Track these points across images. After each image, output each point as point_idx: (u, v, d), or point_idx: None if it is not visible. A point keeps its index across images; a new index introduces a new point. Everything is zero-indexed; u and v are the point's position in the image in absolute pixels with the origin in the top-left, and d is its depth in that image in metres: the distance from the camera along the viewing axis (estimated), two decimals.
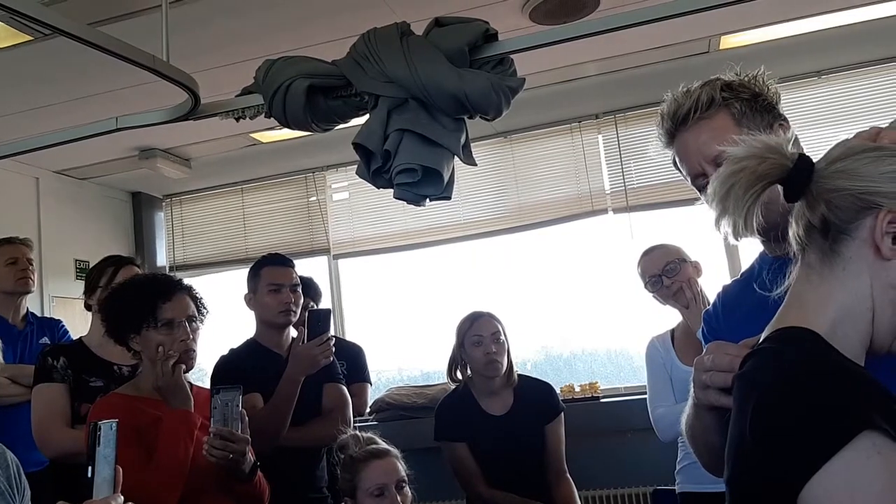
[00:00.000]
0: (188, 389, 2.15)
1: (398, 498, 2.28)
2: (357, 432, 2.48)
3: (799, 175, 1.03)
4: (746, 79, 1.43)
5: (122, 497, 1.38)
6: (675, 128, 1.44)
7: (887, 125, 1.12)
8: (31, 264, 3.50)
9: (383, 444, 2.41)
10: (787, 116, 1.44)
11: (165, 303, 2.16)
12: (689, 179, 1.46)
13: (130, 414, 2.06)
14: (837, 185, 1.01)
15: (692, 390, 1.25)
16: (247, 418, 2.15)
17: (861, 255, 1.01)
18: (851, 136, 1.12)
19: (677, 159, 1.48)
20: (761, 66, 1.45)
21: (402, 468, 2.35)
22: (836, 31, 3.73)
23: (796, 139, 1.32)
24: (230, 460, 2.07)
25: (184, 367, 2.15)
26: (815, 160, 1.05)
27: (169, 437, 2.05)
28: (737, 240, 1.05)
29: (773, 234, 1.17)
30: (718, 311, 1.53)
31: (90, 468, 1.40)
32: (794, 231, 1.07)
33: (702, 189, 1.43)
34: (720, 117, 1.39)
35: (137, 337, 2.17)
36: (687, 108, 1.41)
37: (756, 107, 1.40)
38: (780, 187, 1.04)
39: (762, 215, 1.02)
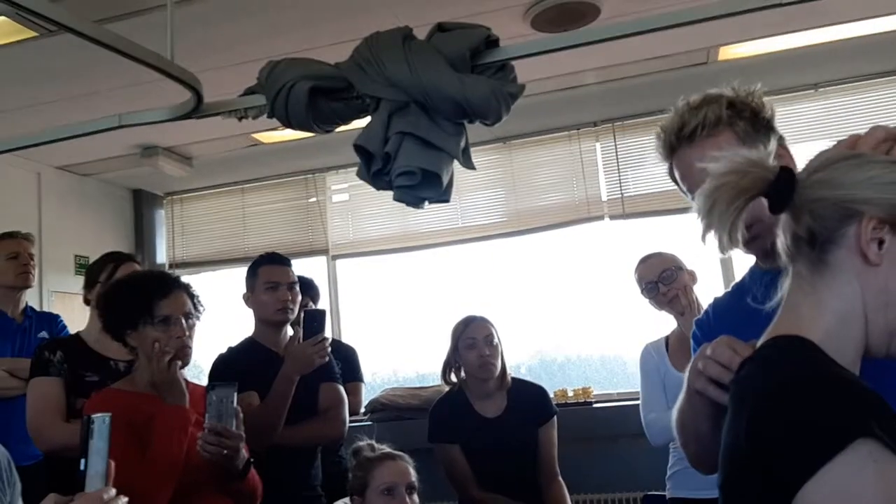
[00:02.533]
0: (183, 386, 2.14)
1: (406, 500, 2.32)
2: (373, 441, 2.50)
3: (781, 187, 1.03)
4: (745, 94, 1.43)
5: (115, 490, 1.38)
6: (679, 143, 1.44)
7: (865, 132, 1.13)
8: (32, 259, 3.50)
9: (398, 452, 2.45)
10: (783, 134, 1.44)
11: (162, 299, 2.15)
12: (689, 196, 1.45)
13: (125, 409, 2.05)
14: (819, 195, 1.02)
15: (687, 374, 1.26)
16: (241, 415, 2.15)
17: (849, 263, 1.02)
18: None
19: (678, 175, 1.47)
20: (758, 83, 1.45)
21: (413, 474, 2.39)
22: (833, 45, 3.75)
23: (788, 154, 1.34)
24: (224, 457, 2.06)
25: (179, 363, 2.15)
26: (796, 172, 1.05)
27: (163, 433, 2.05)
28: (723, 253, 1.06)
29: (759, 249, 1.17)
30: (711, 320, 1.55)
31: (83, 461, 1.39)
32: (782, 242, 1.08)
33: None
34: (725, 136, 1.39)
35: (134, 333, 2.16)
36: (693, 125, 1.41)
37: (757, 125, 1.41)
38: (765, 200, 1.05)
39: (748, 227, 1.03)
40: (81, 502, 1.32)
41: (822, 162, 1.05)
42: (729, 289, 1.60)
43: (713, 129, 1.40)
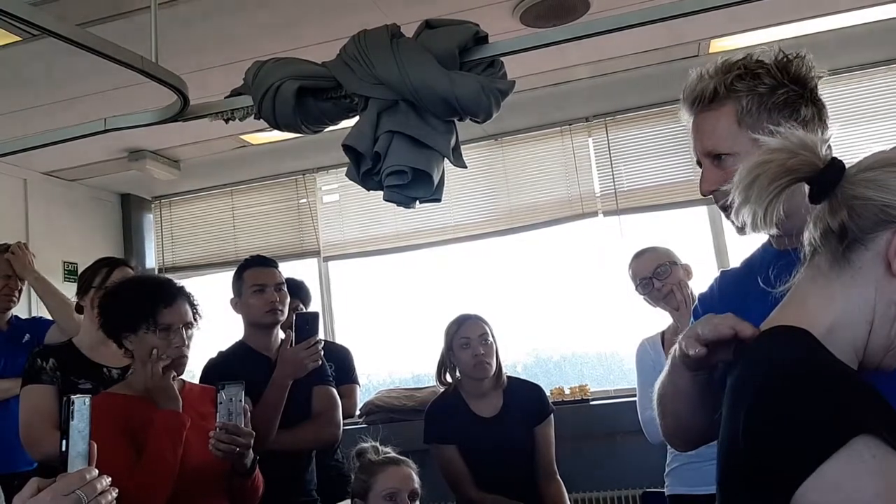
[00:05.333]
0: (176, 391, 2.16)
1: None
2: (377, 443, 2.50)
3: (828, 177, 1.02)
4: (782, 58, 1.38)
5: (97, 470, 1.37)
6: (688, 109, 1.44)
7: None
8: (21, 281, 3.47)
9: (401, 456, 2.48)
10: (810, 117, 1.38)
11: (166, 308, 2.17)
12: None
13: (121, 413, 2.08)
14: (863, 194, 1.00)
15: (676, 348, 1.24)
16: (249, 413, 2.18)
17: (871, 268, 1.01)
18: (867, 141, 1.11)
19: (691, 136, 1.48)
20: (808, 54, 1.39)
21: (416, 480, 2.41)
22: (824, 36, 3.74)
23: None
24: (236, 454, 2.10)
25: (174, 373, 2.17)
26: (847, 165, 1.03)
27: (157, 438, 2.06)
28: (754, 231, 1.04)
29: (792, 229, 1.15)
30: (715, 294, 1.53)
31: (64, 442, 1.40)
32: (809, 233, 1.06)
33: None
34: (725, 110, 1.37)
35: (133, 336, 2.18)
36: (694, 96, 1.41)
37: (770, 102, 1.35)
38: (806, 186, 1.04)
39: (784, 209, 1.01)
40: (63, 482, 1.31)
41: (876, 161, 1.03)
42: (738, 264, 1.56)
43: (710, 103, 1.39)
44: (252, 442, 2.14)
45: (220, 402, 2.12)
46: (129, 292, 2.27)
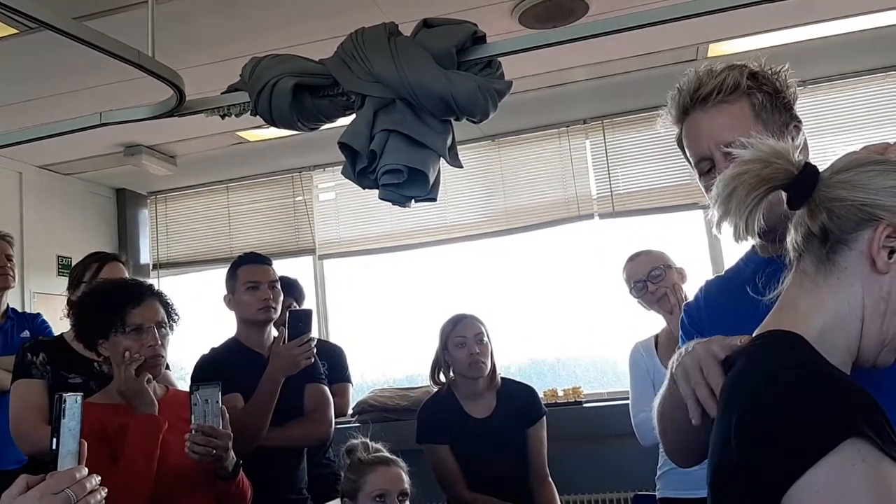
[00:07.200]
0: (152, 394, 2.12)
1: None
2: (367, 440, 2.49)
3: (803, 182, 1.03)
4: (770, 72, 1.39)
5: (87, 469, 1.36)
6: (692, 105, 1.40)
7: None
8: (11, 261, 3.46)
9: (392, 455, 2.46)
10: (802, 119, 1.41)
11: (135, 308, 2.14)
12: (692, 161, 1.43)
13: (98, 422, 2.04)
14: (840, 196, 1.02)
15: (672, 362, 1.23)
16: (227, 415, 2.14)
17: (857, 267, 1.02)
18: (859, 147, 1.12)
19: (686, 141, 1.44)
20: (786, 64, 1.41)
21: (406, 480, 2.40)
22: (822, 42, 3.76)
23: (805, 146, 1.30)
24: (213, 456, 2.06)
25: (149, 375, 2.13)
26: (821, 169, 1.05)
27: (133, 443, 2.03)
28: (737, 242, 1.05)
29: (775, 236, 1.15)
30: (700, 304, 1.52)
31: (55, 440, 1.39)
32: (791, 237, 1.08)
33: (703, 174, 1.40)
34: (740, 105, 1.36)
35: (106, 342, 2.15)
36: (710, 87, 1.37)
37: (776, 103, 1.37)
38: (783, 193, 1.05)
39: (764, 217, 1.02)
40: (53, 481, 1.30)
41: (849, 163, 1.05)
42: (722, 273, 1.56)
43: (729, 95, 1.36)
44: (230, 444, 2.10)
45: (195, 404, 2.08)
46: (96, 298, 2.24)
